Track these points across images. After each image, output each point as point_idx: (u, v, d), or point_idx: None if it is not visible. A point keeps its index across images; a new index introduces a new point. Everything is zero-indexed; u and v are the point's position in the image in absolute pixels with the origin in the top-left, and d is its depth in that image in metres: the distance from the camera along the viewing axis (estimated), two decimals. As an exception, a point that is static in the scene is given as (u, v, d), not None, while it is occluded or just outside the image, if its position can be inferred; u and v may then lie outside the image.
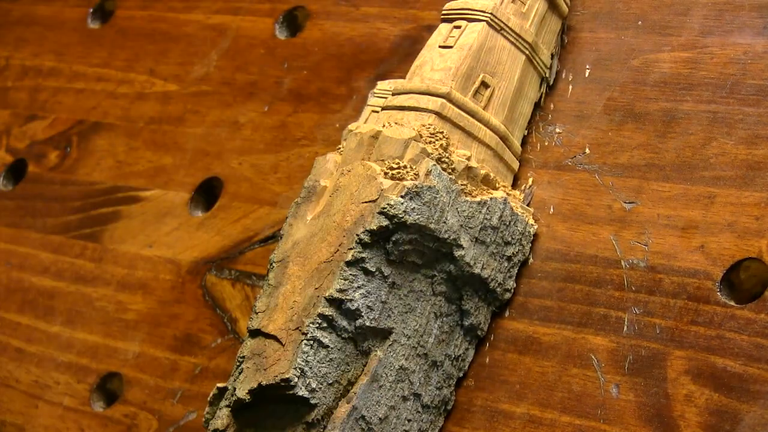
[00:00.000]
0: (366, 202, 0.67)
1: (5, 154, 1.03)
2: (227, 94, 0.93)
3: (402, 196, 0.67)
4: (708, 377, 0.64)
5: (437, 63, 0.73)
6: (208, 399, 0.71)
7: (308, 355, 0.66)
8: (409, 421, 0.68)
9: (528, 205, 0.73)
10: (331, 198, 0.70)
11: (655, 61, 0.74)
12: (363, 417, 0.66)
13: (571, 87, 0.77)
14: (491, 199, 0.70)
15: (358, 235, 0.66)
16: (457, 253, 0.69)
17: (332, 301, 0.66)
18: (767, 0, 0.73)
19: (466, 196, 0.69)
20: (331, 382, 0.66)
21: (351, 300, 0.66)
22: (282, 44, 0.93)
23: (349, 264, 0.66)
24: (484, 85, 0.73)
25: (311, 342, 0.66)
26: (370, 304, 0.67)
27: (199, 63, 0.96)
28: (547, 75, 0.77)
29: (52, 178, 0.99)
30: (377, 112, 0.76)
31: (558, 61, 0.77)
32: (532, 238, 0.72)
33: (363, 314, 0.66)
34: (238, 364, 0.69)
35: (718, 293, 0.65)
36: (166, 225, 0.90)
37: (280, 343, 0.67)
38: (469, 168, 0.70)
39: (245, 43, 0.94)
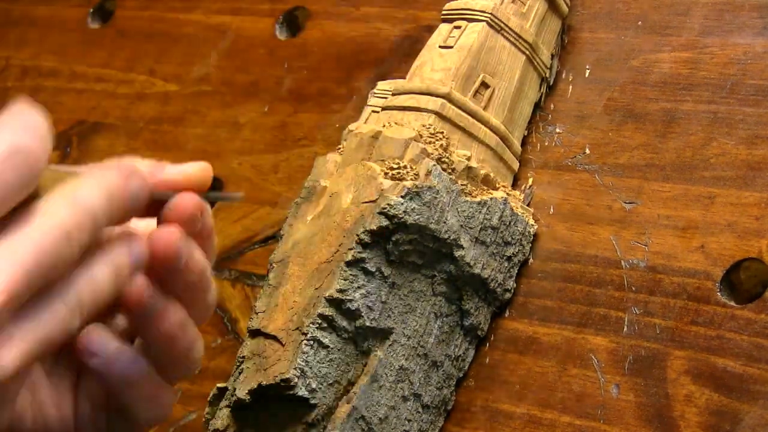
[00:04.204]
0: (366, 202, 0.67)
1: (5, 154, 1.03)
2: (227, 94, 0.93)
3: (402, 197, 0.67)
4: (708, 377, 0.64)
5: (437, 63, 0.73)
6: (208, 399, 0.71)
7: (308, 356, 0.65)
8: (409, 421, 0.68)
9: (528, 206, 0.73)
10: (331, 198, 0.70)
11: (655, 62, 0.74)
12: (363, 417, 0.66)
13: (571, 87, 0.76)
14: (491, 199, 0.70)
15: (358, 235, 0.66)
16: (458, 253, 0.69)
17: (332, 302, 0.66)
18: (767, 0, 0.73)
19: (466, 196, 0.69)
20: (331, 382, 0.66)
21: (351, 300, 0.66)
22: (282, 44, 0.93)
23: (349, 264, 0.66)
24: (484, 85, 0.73)
25: (311, 342, 0.66)
26: (370, 304, 0.67)
27: (199, 63, 0.96)
28: (547, 75, 0.76)
29: (52, 178, 0.99)
30: (377, 112, 0.76)
31: (558, 61, 0.77)
32: (532, 239, 0.72)
33: (363, 314, 0.66)
34: (238, 364, 0.69)
35: (718, 293, 0.65)
36: (166, 225, 0.90)
37: (280, 343, 0.67)
38: (469, 168, 0.70)
39: (245, 43, 0.94)
